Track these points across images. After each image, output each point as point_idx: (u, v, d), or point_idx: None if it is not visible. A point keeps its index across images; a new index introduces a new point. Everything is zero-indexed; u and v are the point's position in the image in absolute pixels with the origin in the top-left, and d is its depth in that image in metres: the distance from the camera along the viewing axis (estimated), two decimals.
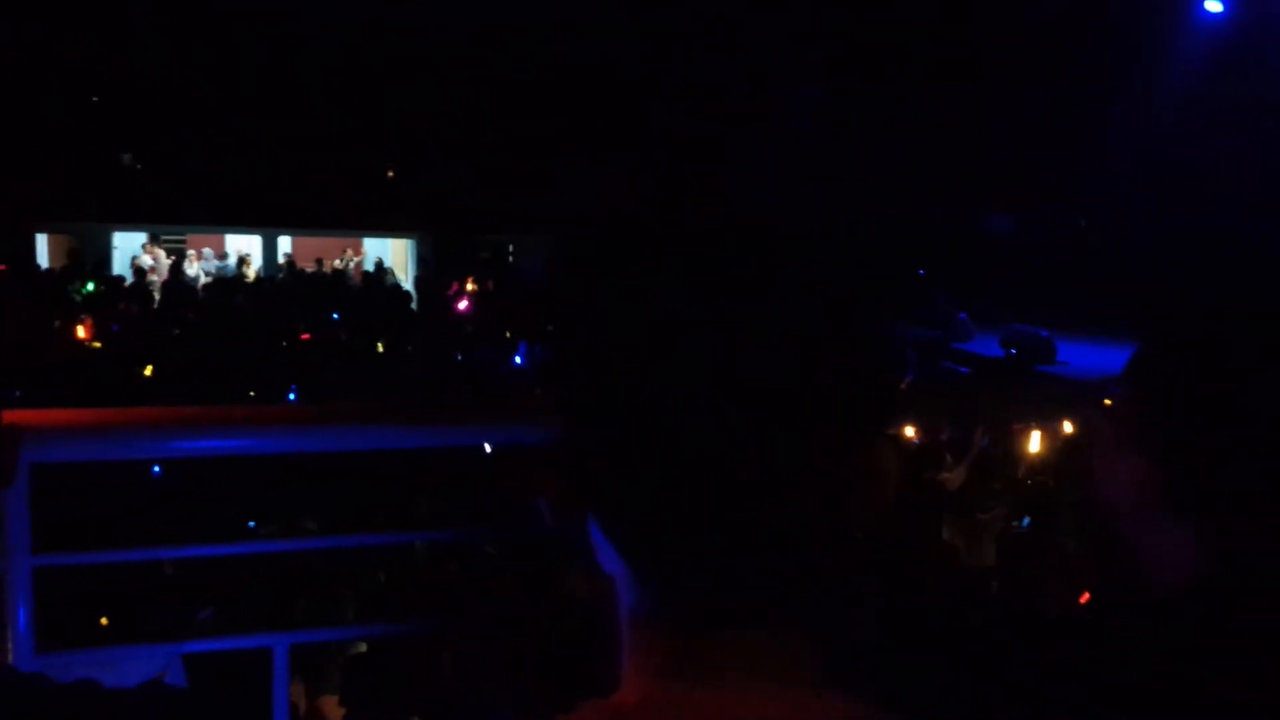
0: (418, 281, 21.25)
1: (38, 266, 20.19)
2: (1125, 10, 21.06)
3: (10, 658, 1.34)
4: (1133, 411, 1.10)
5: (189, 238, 23.74)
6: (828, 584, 0.68)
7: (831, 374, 0.65)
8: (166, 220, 23.06)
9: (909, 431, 5.76)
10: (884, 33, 22.90)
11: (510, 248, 25.31)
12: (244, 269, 21.32)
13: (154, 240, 23.10)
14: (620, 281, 0.66)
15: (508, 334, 13.08)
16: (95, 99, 23.41)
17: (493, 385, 10.41)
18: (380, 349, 12.55)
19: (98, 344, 11.60)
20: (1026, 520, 5.26)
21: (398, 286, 21.16)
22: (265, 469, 4.41)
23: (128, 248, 22.83)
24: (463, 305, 17.01)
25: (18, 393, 6.90)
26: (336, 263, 23.27)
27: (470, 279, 19.29)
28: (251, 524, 4.43)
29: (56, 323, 12.10)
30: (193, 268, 21.65)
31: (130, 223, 22.97)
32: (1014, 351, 16.47)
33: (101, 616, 2.80)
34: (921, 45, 22.70)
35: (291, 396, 9.39)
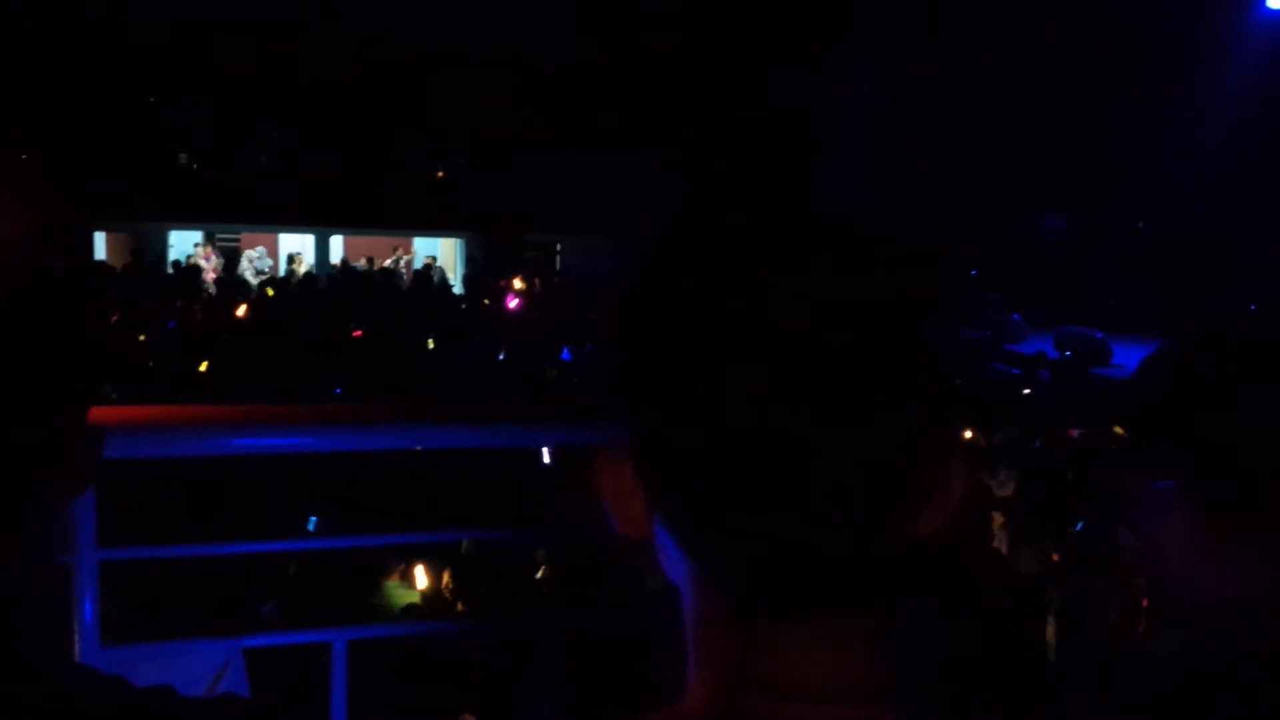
0: (466, 280, 21.41)
1: (101, 264, 20.63)
2: (1184, 10, 20.67)
3: (77, 650, 1.37)
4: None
5: (243, 237, 24.15)
6: (894, 588, 0.67)
7: (908, 377, 0.64)
8: (221, 220, 23.47)
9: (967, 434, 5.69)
10: (939, 32, 22.67)
11: (558, 247, 25.43)
12: (294, 267, 21.63)
13: (209, 239, 23.50)
14: (693, 281, 0.66)
15: (561, 332, 13.13)
16: (152, 100, 23.87)
17: (540, 383, 10.45)
18: (430, 346, 12.65)
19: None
20: (1080, 524, 5.17)
21: (446, 285, 21.33)
22: (325, 465, 4.46)
23: (183, 247, 23.25)
24: (512, 304, 17.11)
25: (113, 393, 6.87)
26: (387, 262, 23.52)
27: (518, 278, 19.40)
28: (313, 519, 4.50)
29: (114, 317, 12.31)
30: (246, 266, 22.01)
31: (186, 222, 23.39)
32: (1068, 353, 16.23)
33: (165, 609, 2.86)
34: (976, 45, 22.45)
35: (338, 392, 9.52)
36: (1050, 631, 4.17)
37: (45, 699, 0.75)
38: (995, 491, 5.76)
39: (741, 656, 0.67)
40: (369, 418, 1.52)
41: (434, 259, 23.79)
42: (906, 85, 22.96)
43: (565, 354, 12.26)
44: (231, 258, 22.95)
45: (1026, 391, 10.11)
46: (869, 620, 0.67)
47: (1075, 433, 6.91)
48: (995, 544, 4.92)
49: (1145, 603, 3.02)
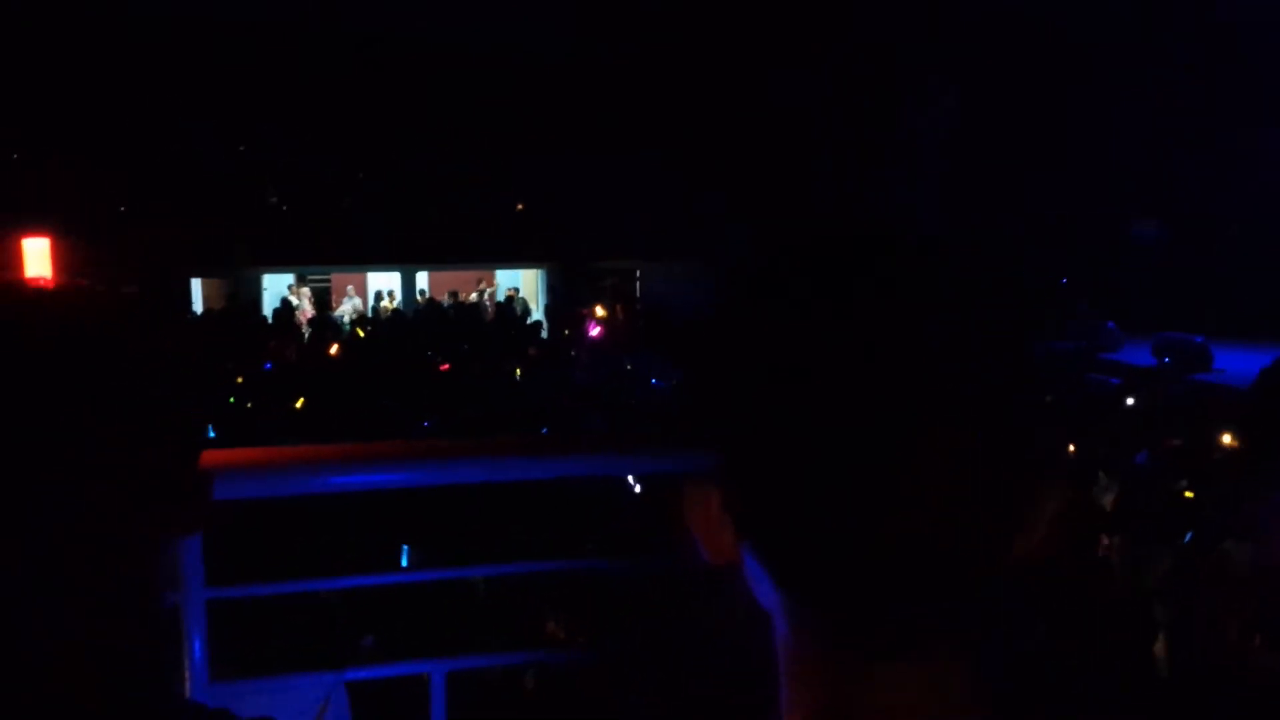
0: (548, 310, 21.64)
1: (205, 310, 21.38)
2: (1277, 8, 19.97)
3: (187, 686, 1.41)
4: None
5: (333, 277, 24.81)
6: (992, 618, 0.66)
7: (998, 403, 0.63)
8: (312, 261, 24.17)
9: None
10: (1027, 35, 22.26)
11: (638, 273, 25.56)
12: (383, 304, 22.13)
13: (300, 280, 24.19)
14: (788, 313, 0.65)
15: (645, 359, 13.16)
16: (243, 149, 24.75)
17: (623, 410, 10.48)
18: (517, 376, 12.81)
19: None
20: (1189, 535, 4.98)
21: (528, 315, 21.60)
22: (424, 500, 4.53)
23: (276, 289, 23.96)
24: (594, 332, 17.23)
25: (211, 432, 7.09)
26: (471, 296, 23.91)
27: (599, 305, 19.54)
28: (404, 549, 4.57)
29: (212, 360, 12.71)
30: (339, 306, 22.60)
31: (278, 265, 24.13)
32: (1167, 360, 15.69)
33: (270, 645, 2.93)
34: (1066, 47, 21.99)
35: (426, 425, 9.66)
36: (1160, 647, 4.02)
37: None
38: (1100, 506, 5.59)
39: (838, 689, 0.66)
40: (457, 452, 1.55)
41: (516, 290, 24.13)
42: (990, 90, 22.58)
43: (655, 381, 12.27)
44: (323, 298, 23.59)
45: (1129, 401, 9.81)
46: (970, 654, 0.66)
47: (1177, 442, 6.68)
48: (1103, 558, 4.77)
49: (1259, 618, 2.90)
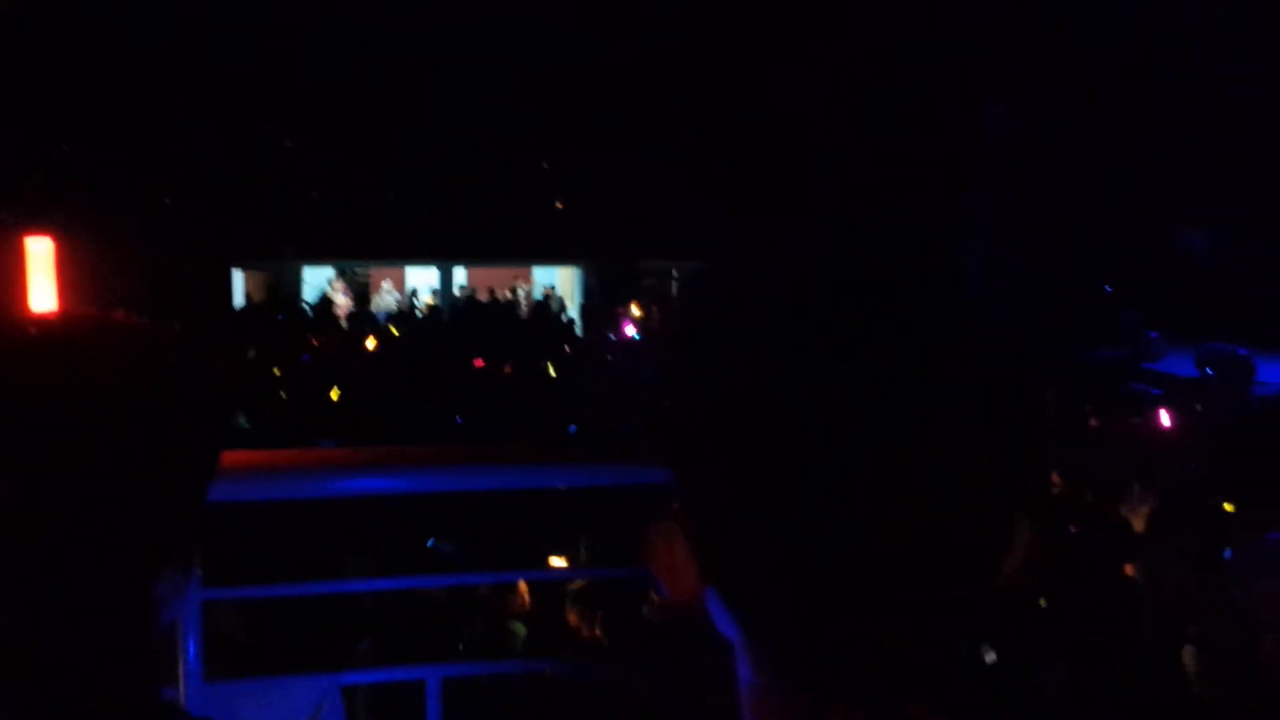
0: (583, 309, 21.70)
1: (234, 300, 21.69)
2: None
3: (182, 686, 1.41)
4: None
5: (372, 271, 25.05)
6: (961, 655, 0.63)
7: (964, 449, 0.61)
8: (352, 256, 24.43)
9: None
10: (1070, 45, 22.00)
11: (674, 273, 25.56)
12: (416, 300, 22.31)
13: (340, 275, 24.45)
14: (752, 364, 0.63)
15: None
16: (288, 144, 25.06)
17: (659, 411, 10.46)
18: (551, 374, 12.83)
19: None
20: (1229, 552, 4.87)
21: (563, 314, 21.68)
22: (424, 504, 4.53)
23: (316, 282, 24.24)
24: (629, 331, 17.23)
25: (245, 424, 7.15)
26: (507, 293, 24.04)
27: (635, 304, 19.54)
28: (430, 543, 4.56)
29: (251, 352, 12.89)
30: (377, 300, 22.82)
31: (319, 259, 24.40)
32: (1210, 371, 15.42)
33: (264, 646, 2.94)
34: (1111, 54, 21.71)
35: (459, 421, 9.70)
36: (1191, 662, 3.94)
37: None
38: (1129, 518, 5.49)
39: None
40: (467, 459, 1.54)
41: (552, 289, 24.21)
42: (1036, 101, 22.35)
43: None
44: (362, 292, 23.81)
45: (1164, 415, 9.64)
46: (939, 691, 0.63)
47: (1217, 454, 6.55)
48: (1137, 577, 4.67)
49: None
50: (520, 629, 3.87)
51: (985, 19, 21.93)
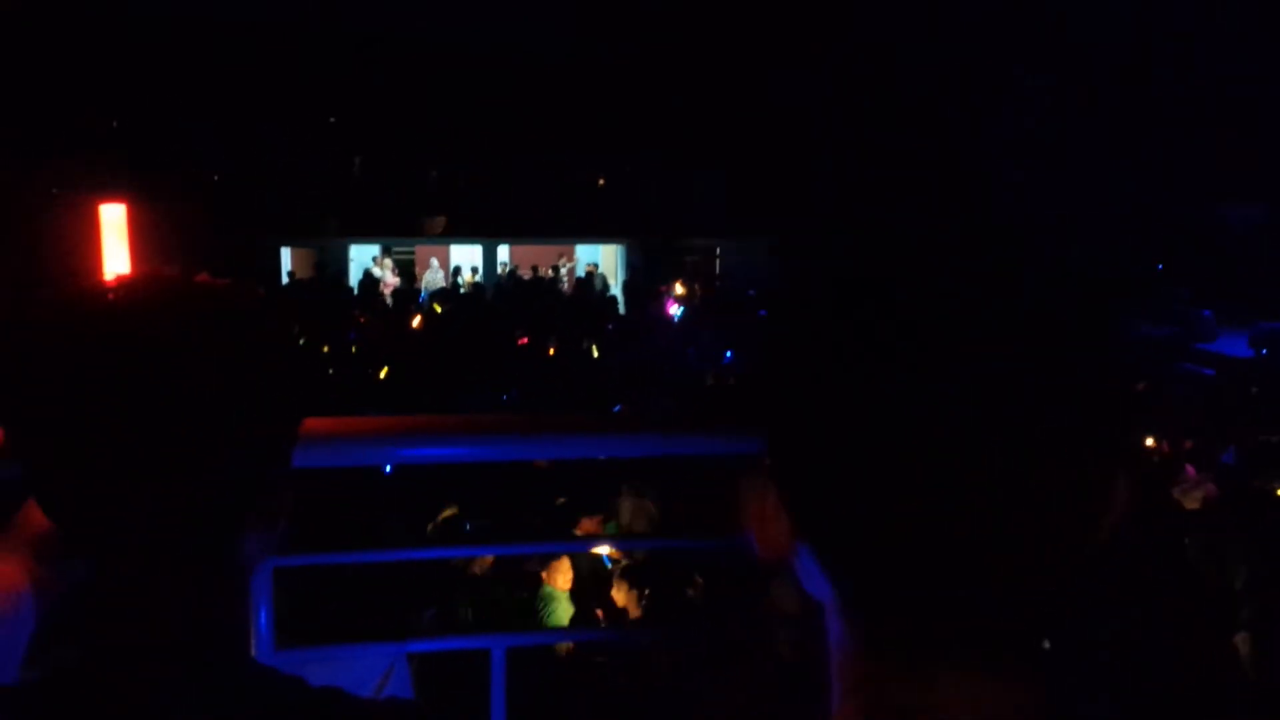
0: (626, 286, 21.69)
1: (293, 279, 21.95)
2: None
3: (253, 652, 1.44)
4: None
5: (417, 249, 25.20)
6: (1054, 620, 0.63)
7: (1060, 395, 0.60)
8: (397, 234, 24.58)
9: (1148, 442, 5.37)
10: (1118, 21, 21.54)
11: (718, 251, 25.46)
12: (460, 278, 22.41)
13: (385, 253, 24.63)
14: (848, 311, 0.63)
15: (723, 336, 13.11)
16: (332, 120, 25.25)
17: (701, 388, 10.46)
18: (594, 353, 12.87)
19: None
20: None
21: (606, 291, 21.68)
22: (483, 475, 4.58)
23: (362, 260, 24.44)
24: (672, 309, 17.21)
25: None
26: (550, 270, 24.07)
27: (679, 282, 19.50)
28: (468, 526, 4.63)
29: (297, 329, 13.01)
30: (424, 277, 22.97)
31: (365, 237, 24.58)
32: (1264, 351, 15.11)
33: (334, 613, 2.99)
34: (1161, 35, 21.23)
35: (505, 399, 9.76)
36: (1243, 645, 3.89)
37: (240, 695, 0.81)
38: (1183, 502, 5.41)
39: (890, 684, 0.64)
40: (520, 429, 1.55)
41: (595, 266, 24.23)
42: (1085, 75, 21.92)
43: (728, 356, 12.22)
44: (407, 269, 23.95)
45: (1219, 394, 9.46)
46: (1025, 650, 0.63)
47: (1272, 437, 6.43)
48: (1191, 560, 4.62)
49: None
50: (565, 604, 3.91)
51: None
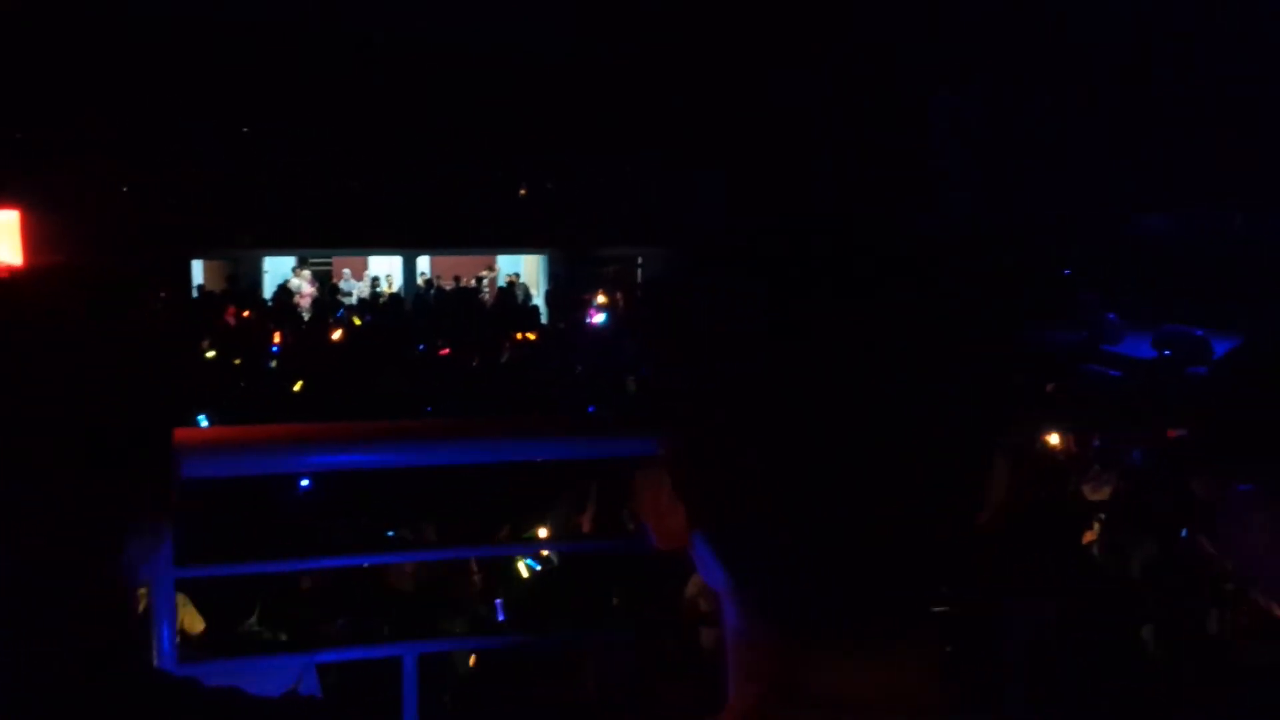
0: (548, 296, 21.63)
1: (193, 291, 21.40)
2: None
3: (155, 666, 1.40)
4: None
5: (334, 260, 24.79)
6: (948, 605, 0.65)
7: (947, 386, 0.62)
8: (313, 245, 24.16)
9: (1054, 440, 5.53)
10: (1033, 32, 22.16)
11: (639, 260, 25.55)
12: (378, 289, 22.14)
13: (302, 264, 24.19)
14: (744, 299, 0.64)
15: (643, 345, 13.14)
16: (245, 130, 24.73)
17: (623, 396, 10.47)
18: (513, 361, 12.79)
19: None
20: (1185, 531, 4.98)
21: (528, 301, 21.60)
22: (397, 481, 4.52)
23: (278, 271, 23.96)
24: (596, 318, 17.21)
25: (204, 420, 7.07)
26: (472, 280, 23.91)
27: (600, 291, 19.52)
28: (390, 534, 4.57)
29: (205, 342, 12.70)
30: (343, 288, 22.62)
31: (279, 248, 24.12)
32: (1168, 353, 15.66)
33: (239, 625, 2.93)
34: (1073, 43, 21.88)
35: (429, 410, 9.64)
36: (1148, 639, 4.02)
37: (141, 700, 0.79)
38: (1089, 496, 5.58)
39: (789, 672, 0.65)
40: (425, 434, 1.54)
41: (517, 276, 24.11)
42: (1004, 85, 22.50)
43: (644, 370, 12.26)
44: (323, 280, 23.56)
45: (1126, 393, 9.78)
46: (922, 633, 0.65)
47: (1175, 434, 6.66)
48: (1096, 553, 4.76)
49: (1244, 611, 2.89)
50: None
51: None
